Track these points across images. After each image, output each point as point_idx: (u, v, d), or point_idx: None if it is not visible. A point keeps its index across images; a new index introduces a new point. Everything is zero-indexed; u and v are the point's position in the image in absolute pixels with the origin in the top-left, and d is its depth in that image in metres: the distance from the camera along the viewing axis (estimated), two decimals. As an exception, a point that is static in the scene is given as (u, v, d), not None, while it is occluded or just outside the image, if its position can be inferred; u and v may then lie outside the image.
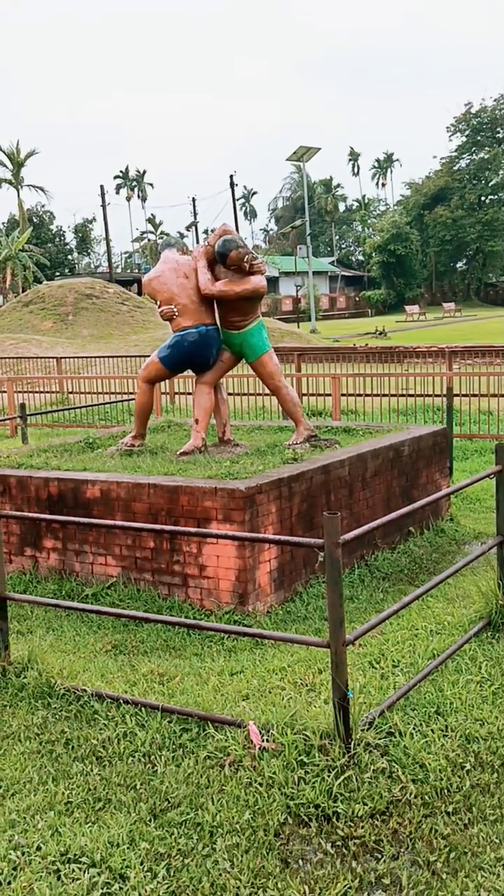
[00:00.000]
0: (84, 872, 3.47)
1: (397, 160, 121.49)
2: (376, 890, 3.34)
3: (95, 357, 23.71)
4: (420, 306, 72.69)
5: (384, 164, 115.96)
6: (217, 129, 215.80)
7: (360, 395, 16.62)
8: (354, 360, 20.93)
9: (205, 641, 6.27)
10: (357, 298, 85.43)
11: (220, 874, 3.42)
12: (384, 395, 16.32)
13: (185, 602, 6.93)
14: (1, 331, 36.74)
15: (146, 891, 3.35)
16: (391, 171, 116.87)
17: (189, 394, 17.30)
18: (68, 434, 14.33)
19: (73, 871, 3.49)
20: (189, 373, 9.17)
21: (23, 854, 3.61)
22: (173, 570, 7.02)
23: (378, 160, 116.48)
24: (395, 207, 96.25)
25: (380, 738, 4.18)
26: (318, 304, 70.36)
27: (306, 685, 4.98)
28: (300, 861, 3.52)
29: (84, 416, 18.54)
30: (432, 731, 4.31)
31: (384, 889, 3.34)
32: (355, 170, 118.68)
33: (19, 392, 20.04)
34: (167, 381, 17.03)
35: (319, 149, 53.14)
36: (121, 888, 3.38)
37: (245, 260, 8.03)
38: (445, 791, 3.90)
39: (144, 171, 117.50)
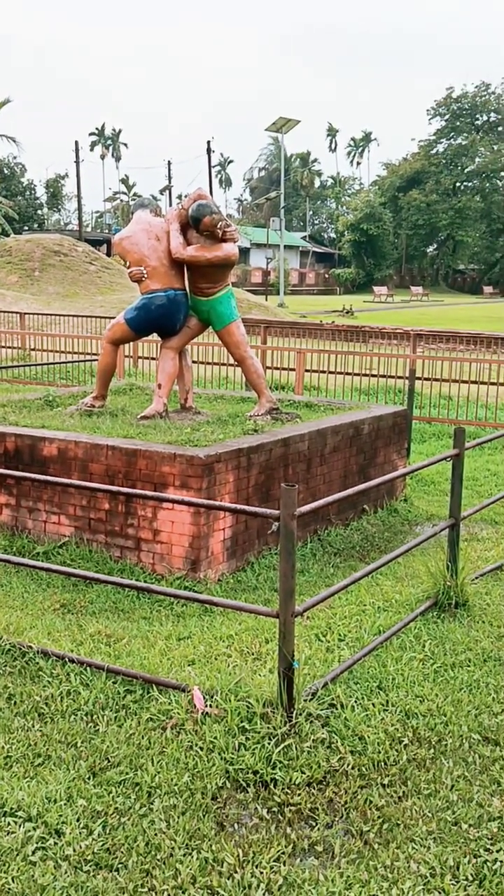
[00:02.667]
0: (20, 826, 3.47)
1: (375, 139, 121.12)
2: (309, 856, 3.39)
3: (60, 315, 23.41)
4: (388, 288, 72.88)
5: (361, 143, 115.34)
6: (195, 95, 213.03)
7: (323, 371, 16.65)
8: (320, 336, 20.96)
9: (154, 605, 6.28)
10: (326, 276, 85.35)
11: (156, 834, 3.45)
12: (347, 374, 16.37)
13: (137, 566, 6.92)
14: (-36, 282, 36.08)
15: (81, 847, 3.36)
16: (368, 151, 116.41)
17: (153, 359, 17.18)
18: (28, 391, 14.16)
19: (9, 824, 3.49)
20: (154, 337, 9.11)
21: (-41, 805, 3.60)
22: (127, 534, 7.00)
23: (354, 139, 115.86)
24: (371, 187, 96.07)
25: (321, 710, 4.23)
26: (288, 279, 70.14)
27: (252, 654, 5.02)
28: (236, 825, 3.56)
29: (45, 374, 18.33)
30: (373, 704, 4.38)
31: (317, 856, 3.39)
32: (332, 146, 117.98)
33: (-20, 345, 19.73)
34: (131, 344, 16.91)
35: (299, 121, 52.74)
36: (55, 843, 3.39)
37: (218, 226, 7.96)
38: (382, 764, 3.96)
39: (120, 131, 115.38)
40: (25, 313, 22.91)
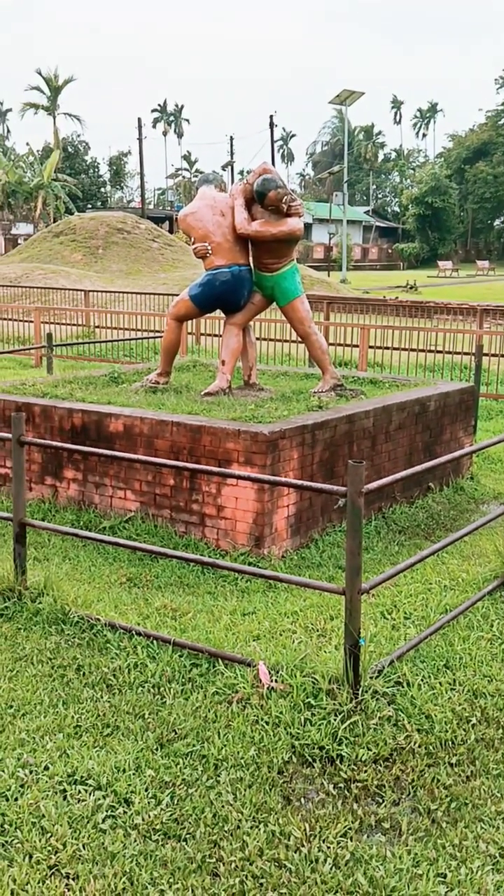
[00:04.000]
0: (90, 794, 3.54)
1: (441, 111, 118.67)
2: (376, 833, 3.39)
3: (124, 293, 23.58)
4: (453, 262, 71.54)
5: (427, 114, 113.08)
6: (258, 69, 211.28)
7: (387, 348, 16.48)
8: (384, 312, 20.74)
9: (219, 581, 6.31)
10: (390, 251, 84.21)
11: (223, 806, 3.48)
12: (412, 350, 16.17)
13: (202, 541, 6.96)
14: (31, 260, 36.55)
15: (149, 816, 3.41)
16: (434, 122, 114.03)
17: (216, 336, 17.20)
18: (93, 367, 14.32)
19: (79, 792, 3.56)
20: (217, 314, 9.10)
21: (30, 773, 3.69)
22: (191, 509, 7.05)
23: (420, 110, 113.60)
24: (436, 159, 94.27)
25: (388, 687, 4.21)
26: (350, 254, 69.47)
27: (317, 630, 5.02)
28: (302, 799, 3.57)
29: (109, 351, 18.50)
30: (440, 683, 4.34)
31: (384, 833, 3.39)
32: (397, 118, 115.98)
33: (46, 322, 20.00)
34: (194, 321, 16.96)
35: (363, 93, 51.84)
36: (125, 812, 3.45)
37: (284, 201, 7.89)
38: (450, 743, 3.93)
39: (182, 107, 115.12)
40: (90, 291, 23.14)
